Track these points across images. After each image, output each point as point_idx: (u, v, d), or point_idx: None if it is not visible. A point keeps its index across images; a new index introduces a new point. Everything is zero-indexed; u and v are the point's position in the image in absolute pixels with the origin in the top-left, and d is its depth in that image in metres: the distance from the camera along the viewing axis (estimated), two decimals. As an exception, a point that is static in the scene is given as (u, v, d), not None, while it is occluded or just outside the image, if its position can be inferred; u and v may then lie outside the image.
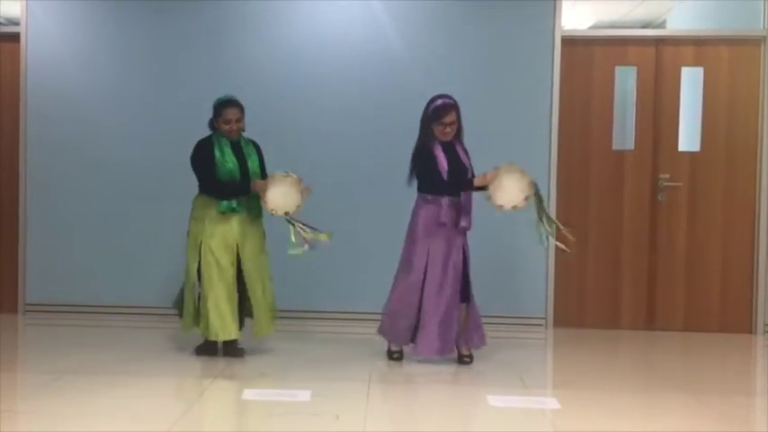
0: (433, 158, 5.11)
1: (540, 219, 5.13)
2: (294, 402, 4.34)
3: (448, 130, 5.11)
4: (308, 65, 6.51)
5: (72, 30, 6.61)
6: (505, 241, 6.31)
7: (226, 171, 5.12)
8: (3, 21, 7.02)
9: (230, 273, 5.13)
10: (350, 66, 6.50)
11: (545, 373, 5.51)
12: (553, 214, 6.41)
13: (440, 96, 5.16)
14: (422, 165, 5.16)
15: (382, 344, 5.39)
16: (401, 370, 5.11)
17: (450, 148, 5.16)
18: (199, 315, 5.17)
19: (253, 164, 5.23)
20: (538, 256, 6.40)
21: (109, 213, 6.59)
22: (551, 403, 4.43)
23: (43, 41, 6.59)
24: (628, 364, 5.67)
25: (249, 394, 4.48)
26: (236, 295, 5.15)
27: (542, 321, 6.47)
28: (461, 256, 5.16)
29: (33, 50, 6.59)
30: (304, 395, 4.43)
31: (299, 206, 5.09)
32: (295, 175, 5.11)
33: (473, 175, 5.16)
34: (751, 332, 6.43)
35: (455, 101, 5.15)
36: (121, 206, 6.57)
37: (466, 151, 5.24)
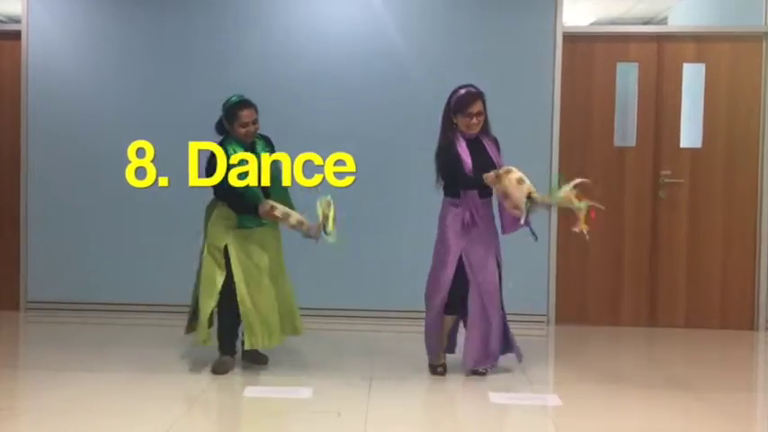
0: (456, 156, 4.69)
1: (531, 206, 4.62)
2: (296, 400, 4.34)
3: (474, 121, 4.69)
4: (309, 63, 6.49)
5: (72, 27, 6.60)
6: (507, 238, 6.30)
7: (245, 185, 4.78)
8: (4, 18, 7.02)
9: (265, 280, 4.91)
10: (350, 63, 6.48)
11: (546, 369, 5.50)
12: (554, 212, 6.42)
13: (463, 86, 4.76)
14: (444, 164, 4.75)
15: (383, 341, 5.38)
16: (403, 368, 5.10)
17: (476, 144, 4.77)
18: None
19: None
20: (540, 253, 6.40)
21: (110, 211, 6.59)
22: (553, 400, 4.43)
23: (44, 39, 6.59)
24: (629, 361, 5.67)
25: (250, 392, 4.48)
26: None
27: (544, 318, 6.47)
28: (495, 262, 4.87)
29: (34, 48, 6.58)
30: (305, 393, 4.43)
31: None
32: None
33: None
34: (752, 329, 6.42)
35: (480, 90, 4.75)
36: (122, 204, 6.56)
37: (497, 144, 4.87)
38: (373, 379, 4.79)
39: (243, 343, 5.14)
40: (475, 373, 4.88)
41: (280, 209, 4.78)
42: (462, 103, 4.71)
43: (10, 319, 6.43)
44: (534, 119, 6.41)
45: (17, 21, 6.71)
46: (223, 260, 4.84)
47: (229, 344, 4.96)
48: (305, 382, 4.64)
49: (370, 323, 6.24)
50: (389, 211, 6.46)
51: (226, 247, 4.85)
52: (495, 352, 4.88)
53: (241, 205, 4.82)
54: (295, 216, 4.79)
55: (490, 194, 4.80)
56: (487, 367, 4.90)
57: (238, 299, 4.81)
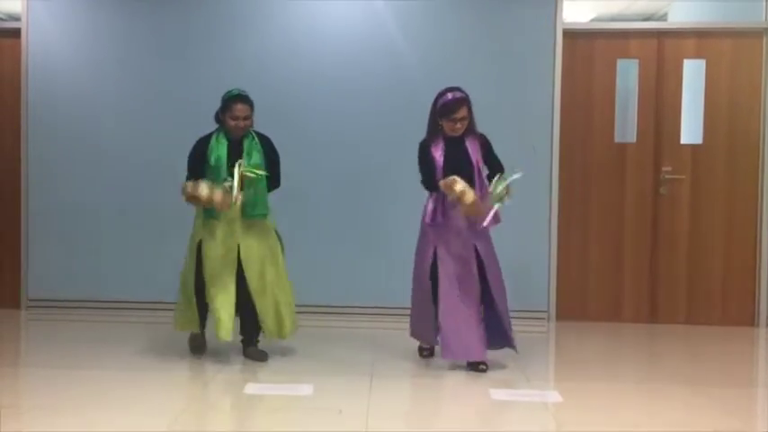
0: (429, 155, 4.91)
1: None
2: (297, 397, 4.35)
3: (458, 125, 4.88)
4: (309, 62, 6.50)
5: (72, 25, 6.60)
6: (507, 235, 6.30)
7: (211, 171, 4.90)
8: (3, 16, 7.02)
9: (228, 274, 4.96)
10: (349, 60, 6.49)
11: (547, 366, 5.50)
12: (555, 208, 6.43)
13: (449, 90, 4.91)
14: (420, 162, 4.98)
15: (384, 338, 5.38)
16: (403, 364, 5.11)
17: (457, 144, 4.93)
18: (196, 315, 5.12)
19: (254, 161, 4.94)
20: (540, 249, 6.41)
21: (111, 209, 6.59)
22: (554, 396, 4.43)
23: (44, 37, 6.59)
24: (630, 357, 5.67)
25: (251, 389, 4.48)
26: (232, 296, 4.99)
27: (545, 314, 6.47)
28: (473, 254, 4.91)
29: (34, 46, 6.59)
30: (307, 390, 4.44)
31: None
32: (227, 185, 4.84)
33: (492, 171, 4.97)
34: (753, 324, 6.43)
35: (466, 94, 4.91)
36: (123, 201, 6.57)
37: (484, 144, 5.00)
38: (374, 376, 4.79)
39: (243, 341, 5.17)
40: (473, 368, 4.89)
41: (193, 187, 4.80)
42: (448, 109, 4.87)
43: (11, 317, 6.44)
44: (535, 116, 6.41)
45: (17, 18, 6.71)
46: (195, 255, 5.00)
47: (201, 321, 5.14)
48: (306, 379, 4.64)
49: (371, 320, 6.24)
50: (389, 209, 6.46)
51: (200, 242, 4.99)
52: (473, 345, 4.86)
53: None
54: (204, 188, 4.76)
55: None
56: (475, 361, 4.90)
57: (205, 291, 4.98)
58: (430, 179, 4.93)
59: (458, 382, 4.82)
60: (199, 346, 5.21)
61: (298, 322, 5.24)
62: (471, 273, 4.89)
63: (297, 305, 6.32)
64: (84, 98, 6.59)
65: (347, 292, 6.48)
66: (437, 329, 5.00)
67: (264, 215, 5.02)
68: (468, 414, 4.33)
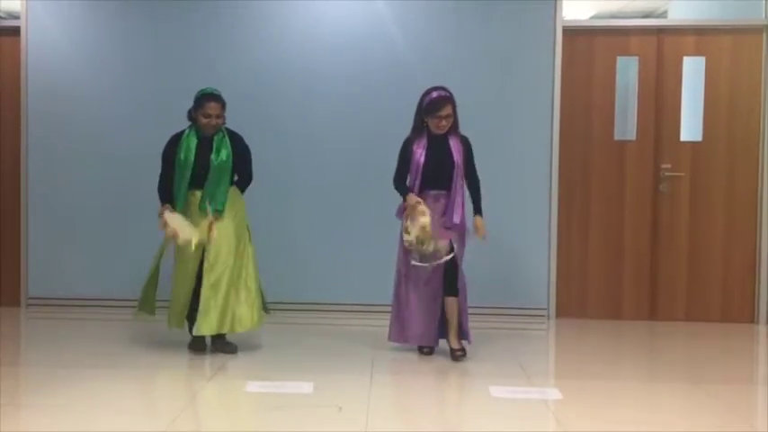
0: (409, 153, 5.08)
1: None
2: (296, 395, 4.34)
3: (443, 123, 5.02)
4: (310, 62, 6.49)
5: (72, 23, 6.60)
6: (507, 232, 6.31)
7: (180, 166, 5.05)
8: (3, 14, 7.01)
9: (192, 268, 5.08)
10: (348, 57, 6.48)
11: (547, 363, 5.51)
12: (555, 205, 6.43)
13: (435, 89, 5.06)
14: (399, 157, 5.13)
15: (383, 335, 5.38)
16: (403, 362, 5.12)
17: (440, 142, 5.07)
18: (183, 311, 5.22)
19: (221, 158, 5.05)
20: (540, 247, 6.41)
21: (110, 207, 6.59)
22: (553, 394, 4.43)
23: (43, 35, 6.59)
24: (630, 355, 5.67)
25: (252, 387, 4.48)
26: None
27: (544, 312, 6.47)
28: (447, 250, 5.02)
29: (33, 44, 6.58)
30: (306, 387, 4.44)
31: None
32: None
33: (468, 170, 5.11)
34: (753, 321, 6.44)
35: (450, 93, 5.04)
36: (123, 200, 6.57)
37: (465, 143, 5.12)
38: (374, 373, 4.79)
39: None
40: (455, 358, 5.06)
41: (169, 218, 4.97)
42: (433, 107, 5.01)
43: (11, 316, 6.44)
44: (534, 113, 6.41)
45: (16, 17, 6.71)
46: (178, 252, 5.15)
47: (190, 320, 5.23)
48: (306, 377, 4.64)
49: (371, 317, 6.24)
50: (389, 207, 6.45)
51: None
52: (428, 332, 5.15)
53: (163, 191, 5.13)
54: (172, 229, 4.93)
55: (440, 188, 5.06)
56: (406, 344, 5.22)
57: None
58: (400, 178, 5.14)
59: (457, 379, 4.83)
60: (200, 349, 5.22)
61: (262, 315, 5.30)
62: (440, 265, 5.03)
63: (298, 302, 6.35)
64: (84, 97, 6.59)
65: (347, 290, 6.48)
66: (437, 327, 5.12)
67: (219, 211, 5.07)
68: (468, 411, 4.34)
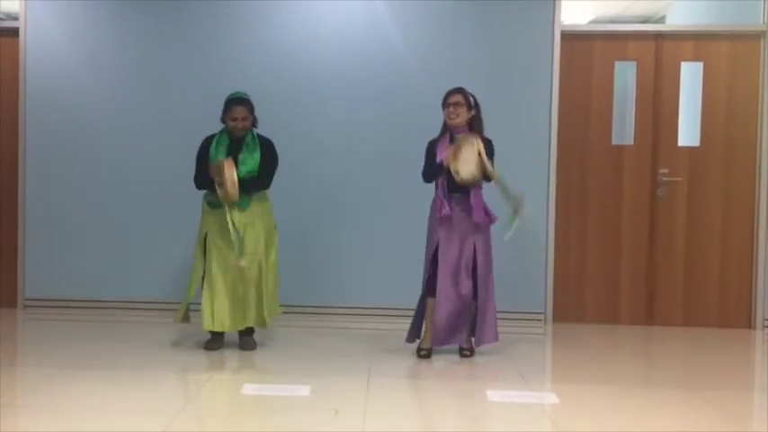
0: (431, 150, 5.16)
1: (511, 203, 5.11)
2: (293, 397, 4.34)
3: (452, 110, 5.12)
4: (308, 63, 6.50)
5: (71, 24, 6.60)
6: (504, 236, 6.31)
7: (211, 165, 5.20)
8: (2, 15, 7.01)
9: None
10: (350, 60, 6.49)
11: (544, 368, 5.51)
12: (553, 210, 6.43)
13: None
14: (426, 157, 5.20)
15: (381, 339, 5.38)
16: (401, 365, 5.12)
17: None
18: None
19: (250, 161, 5.20)
20: (537, 251, 6.41)
21: (108, 208, 6.59)
22: (550, 398, 4.43)
23: (42, 36, 6.58)
24: (627, 359, 5.67)
25: (248, 389, 4.48)
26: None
27: (541, 316, 6.48)
28: (472, 253, 5.14)
29: (32, 45, 6.58)
30: (303, 390, 4.43)
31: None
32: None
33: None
34: (750, 327, 6.44)
35: (464, 88, 5.20)
36: (121, 201, 6.57)
37: (488, 145, 5.12)
38: (371, 376, 4.79)
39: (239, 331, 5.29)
40: (419, 350, 5.12)
41: (228, 167, 5.03)
42: (444, 99, 5.19)
43: (8, 317, 6.43)
44: (532, 117, 6.42)
45: (15, 18, 6.70)
46: (203, 248, 5.25)
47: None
48: (303, 379, 4.64)
49: (369, 321, 6.24)
50: (390, 209, 6.47)
51: (206, 235, 5.24)
52: (461, 334, 5.19)
53: (198, 180, 5.27)
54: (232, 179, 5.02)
55: (462, 191, 5.09)
56: (463, 347, 5.21)
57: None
58: (426, 173, 5.19)
59: (454, 383, 4.83)
60: (214, 347, 5.29)
61: (277, 311, 5.41)
62: (468, 269, 5.12)
63: (294, 306, 6.34)
64: (83, 97, 6.58)
65: (345, 293, 6.48)
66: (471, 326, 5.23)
67: (238, 204, 5.15)
68: (465, 415, 4.34)
